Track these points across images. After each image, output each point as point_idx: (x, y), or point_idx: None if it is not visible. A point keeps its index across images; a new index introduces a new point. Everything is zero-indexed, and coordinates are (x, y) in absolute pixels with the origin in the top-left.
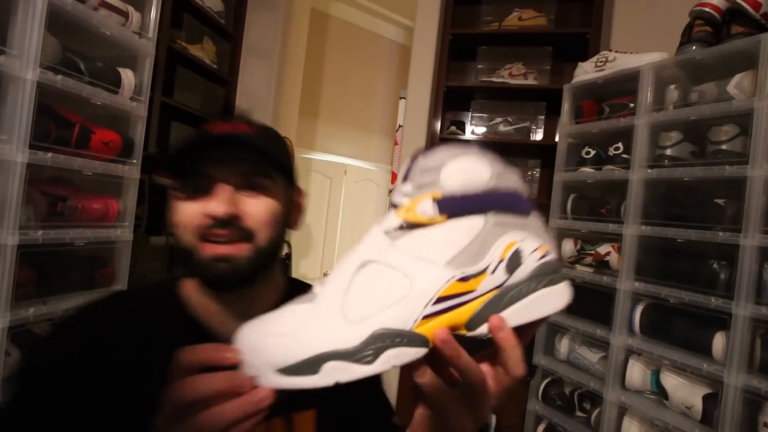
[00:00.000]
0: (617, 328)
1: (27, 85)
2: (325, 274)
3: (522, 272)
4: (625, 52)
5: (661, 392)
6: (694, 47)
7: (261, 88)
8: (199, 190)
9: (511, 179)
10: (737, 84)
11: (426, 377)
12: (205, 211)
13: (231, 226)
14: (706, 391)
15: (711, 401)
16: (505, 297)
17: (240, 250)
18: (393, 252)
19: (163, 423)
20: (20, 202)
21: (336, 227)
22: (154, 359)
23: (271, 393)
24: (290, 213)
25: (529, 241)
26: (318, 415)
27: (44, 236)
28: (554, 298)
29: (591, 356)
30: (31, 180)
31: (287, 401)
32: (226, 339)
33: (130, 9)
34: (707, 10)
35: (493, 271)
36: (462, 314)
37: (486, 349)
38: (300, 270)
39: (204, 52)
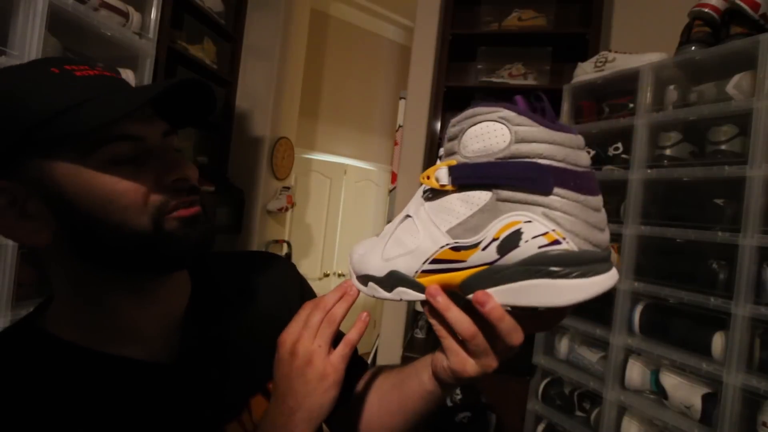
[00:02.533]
0: (617, 328)
1: None
2: (325, 274)
3: (516, 256)
4: (625, 53)
5: (660, 392)
6: (693, 48)
7: (261, 89)
8: (123, 158)
9: (542, 147)
10: (736, 84)
11: (432, 317)
12: (176, 176)
13: (193, 189)
14: (705, 390)
15: (710, 401)
16: (491, 276)
17: (199, 211)
18: (421, 211)
19: (301, 346)
20: None
21: (336, 227)
22: (59, 406)
23: (357, 289)
24: None
25: (536, 225)
26: None
27: None
28: (542, 292)
29: (590, 356)
30: None
31: (258, 376)
32: (120, 359)
33: (131, 9)
34: (706, 10)
35: (485, 248)
36: (454, 278)
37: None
38: (300, 270)
39: (204, 52)
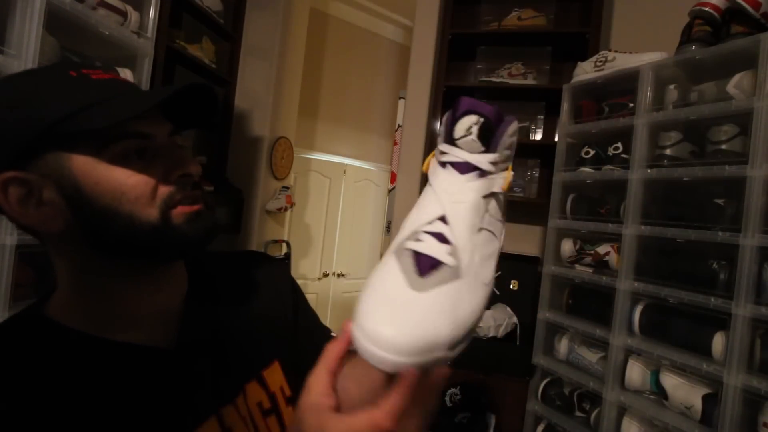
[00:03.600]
0: (617, 328)
1: None
2: (324, 274)
3: None
4: (625, 52)
5: (660, 392)
6: (693, 47)
7: (260, 88)
8: (133, 153)
9: None
10: (737, 84)
11: None
12: (182, 172)
13: (197, 185)
14: (705, 391)
15: (711, 401)
16: None
17: (202, 207)
18: (489, 218)
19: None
20: None
21: (335, 227)
22: (62, 390)
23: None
24: None
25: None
26: (281, 362)
27: None
28: None
29: (590, 356)
30: None
31: (253, 364)
32: (122, 344)
33: (129, 8)
34: (707, 9)
35: None
36: None
37: None
38: (299, 270)
39: (203, 51)
